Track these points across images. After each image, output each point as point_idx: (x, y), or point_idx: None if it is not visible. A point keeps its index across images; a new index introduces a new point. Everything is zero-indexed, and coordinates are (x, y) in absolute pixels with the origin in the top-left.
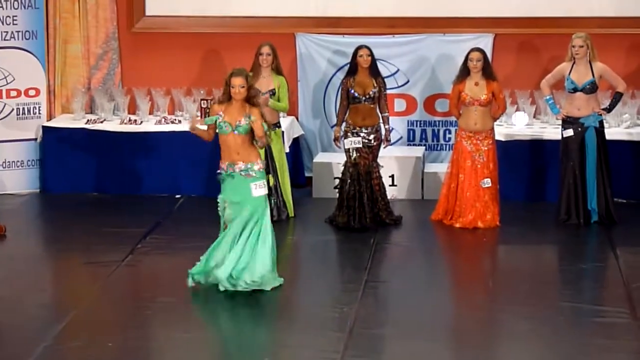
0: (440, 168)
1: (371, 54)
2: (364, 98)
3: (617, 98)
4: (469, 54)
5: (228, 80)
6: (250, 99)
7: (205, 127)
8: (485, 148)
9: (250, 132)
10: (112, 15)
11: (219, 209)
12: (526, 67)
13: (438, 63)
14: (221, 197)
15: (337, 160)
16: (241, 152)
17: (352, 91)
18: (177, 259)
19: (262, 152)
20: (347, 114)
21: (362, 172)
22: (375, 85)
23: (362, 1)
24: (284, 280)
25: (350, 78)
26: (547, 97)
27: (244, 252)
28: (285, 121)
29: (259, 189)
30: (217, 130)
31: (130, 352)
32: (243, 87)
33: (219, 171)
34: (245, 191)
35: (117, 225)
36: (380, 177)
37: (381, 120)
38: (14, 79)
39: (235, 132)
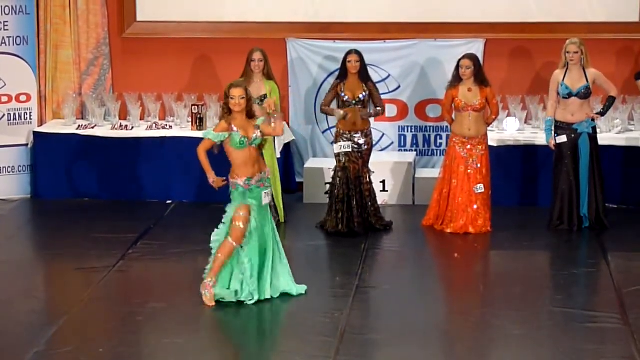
0: (431, 173)
1: (360, 60)
2: (354, 102)
3: (610, 102)
4: (459, 61)
5: (227, 92)
6: (249, 112)
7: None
8: (479, 154)
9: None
10: (103, 20)
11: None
12: (517, 73)
13: (429, 68)
14: (235, 205)
15: (328, 165)
16: (256, 164)
17: (342, 94)
18: (168, 265)
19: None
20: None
21: (352, 177)
22: (365, 89)
23: (353, 6)
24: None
25: (341, 83)
26: (548, 119)
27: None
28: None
29: (267, 197)
30: (230, 145)
31: (121, 358)
32: (243, 98)
33: (232, 187)
34: (259, 200)
35: (108, 231)
36: (370, 183)
37: (371, 125)
38: (5, 85)
39: (253, 145)
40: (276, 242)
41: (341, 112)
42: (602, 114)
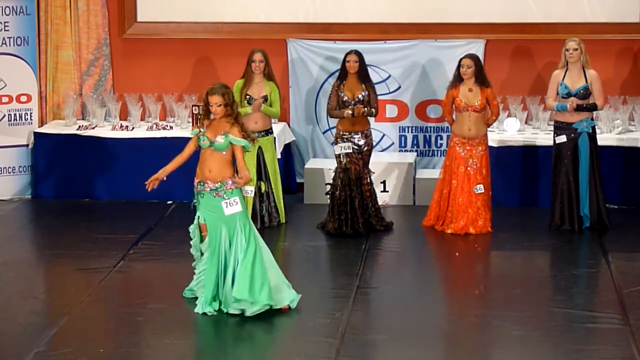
0: (431, 174)
1: (359, 60)
2: (353, 102)
3: (591, 106)
4: (460, 61)
5: (205, 98)
6: (233, 115)
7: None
8: (479, 154)
9: (227, 152)
10: (103, 21)
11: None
12: (517, 73)
13: (430, 69)
14: (194, 224)
15: (328, 166)
16: (214, 170)
17: (342, 95)
18: (168, 265)
19: (252, 160)
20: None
21: (353, 178)
22: (364, 89)
23: (353, 7)
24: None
25: (341, 83)
26: (556, 105)
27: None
28: (277, 127)
29: (232, 207)
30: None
31: (122, 358)
32: (220, 105)
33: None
34: (219, 211)
35: (108, 231)
36: (371, 183)
37: (371, 125)
38: (6, 85)
39: (212, 147)
40: (247, 251)
41: (349, 111)
42: (580, 105)
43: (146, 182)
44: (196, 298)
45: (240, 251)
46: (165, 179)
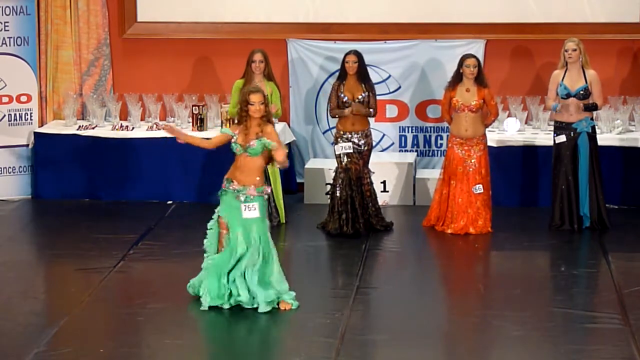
0: (431, 174)
1: (359, 60)
2: (352, 103)
3: (592, 107)
4: (464, 60)
5: (245, 98)
6: (268, 116)
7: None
8: (477, 154)
9: (262, 156)
10: (103, 21)
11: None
12: (518, 73)
13: (430, 69)
14: (214, 220)
15: (328, 166)
16: (244, 173)
17: (342, 95)
18: (169, 266)
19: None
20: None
21: (353, 178)
22: (364, 90)
23: (353, 7)
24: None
25: (340, 83)
26: (552, 105)
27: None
28: (277, 127)
29: (250, 211)
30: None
31: (122, 359)
32: (262, 103)
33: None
34: (238, 212)
35: (108, 231)
36: (371, 183)
37: (371, 125)
38: (6, 85)
39: (246, 153)
40: (260, 252)
41: (348, 109)
42: (585, 104)
43: (158, 122)
44: (197, 297)
45: (253, 264)
46: (180, 141)
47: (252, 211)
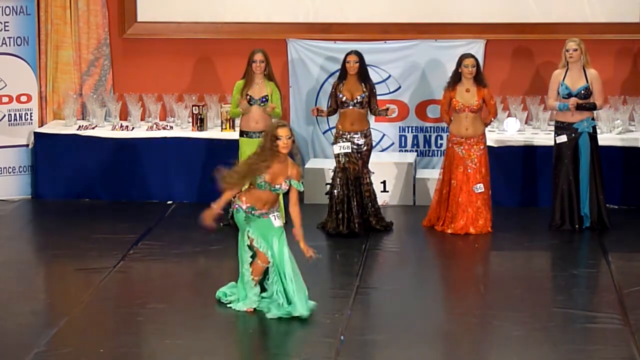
0: (431, 174)
1: (360, 60)
2: (352, 103)
3: (591, 106)
4: (462, 60)
5: (274, 132)
6: (291, 153)
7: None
8: (477, 153)
9: None
10: (103, 21)
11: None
12: (518, 73)
13: (430, 69)
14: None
15: (328, 166)
16: (268, 204)
17: (341, 95)
18: (169, 266)
19: None
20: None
21: (351, 177)
22: (364, 90)
23: (353, 7)
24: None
25: (340, 83)
26: (557, 105)
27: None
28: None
29: (278, 220)
30: (253, 186)
31: (122, 359)
32: (290, 137)
33: (234, 206)
34: (267, 224)
35: (108, 231)
36: (370, 183)
37: (371, 125)
38: (6, 85)
39: (272, 190)
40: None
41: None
42: (580, 104)
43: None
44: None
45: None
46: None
47: (279, 220)
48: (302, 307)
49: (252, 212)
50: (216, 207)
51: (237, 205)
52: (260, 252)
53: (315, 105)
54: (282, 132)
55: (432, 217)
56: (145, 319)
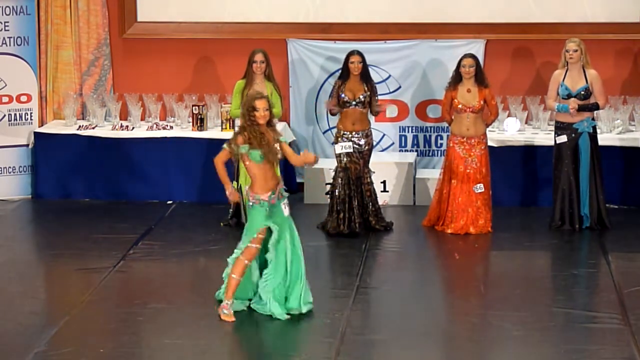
0: (432, 174)
1: (362, 61)
2: (354, 102)
3: (593, 106)
4: (461, 60)
5: (252, 103)
6: (269, 121)
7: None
8: (478, 153)
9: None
10: (103, 21)
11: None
12: (518, 73)
13: (430, 69)
14: (255, 227)
15: (328, 166)
16: (275, 177)
17: (343, 95)
18: (168, 265)
19: None
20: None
21: (353, 177)
22: (366, 89)
23: (353, 7)
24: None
25: (342, 83)
26: (557, 106)
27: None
28: (277, 127)
29: (287, 208)
30: (251, 159)
31: (122, 358)
32: (267, 110)
33: (254, 201)
34: (281, 212)
35: (108, 231)
36: (371, 183)
37: (372, 125)
38: (6, 85)
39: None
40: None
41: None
42: (582, 106)
43: (230, 196)
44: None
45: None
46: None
47: (288, 208)
48: (295, 301)
49: (274, 196)
50: (228, 184)
51: (258, 200)
52: (254, 249)
53: (315, 105)
54: (260, 104)
55: (432, 216)
56: (145, 318)
